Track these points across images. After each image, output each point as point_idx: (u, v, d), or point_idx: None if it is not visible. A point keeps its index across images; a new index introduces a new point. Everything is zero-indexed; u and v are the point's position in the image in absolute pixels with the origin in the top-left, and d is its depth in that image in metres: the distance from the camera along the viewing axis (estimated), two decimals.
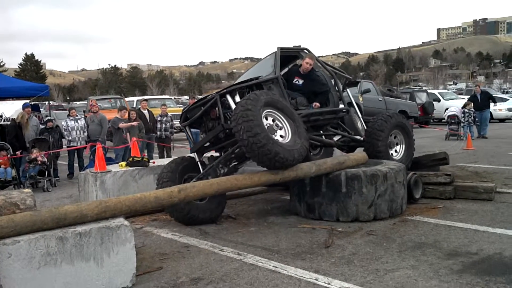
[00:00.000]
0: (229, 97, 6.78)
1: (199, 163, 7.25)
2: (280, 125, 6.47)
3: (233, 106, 6.63)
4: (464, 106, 17.67)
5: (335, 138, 8.46)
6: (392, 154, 8.04)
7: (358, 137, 8.31)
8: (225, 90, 6.93)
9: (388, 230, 6.20)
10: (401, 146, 8.27)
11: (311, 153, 9.07)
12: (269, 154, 5.88)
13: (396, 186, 6.79)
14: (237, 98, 6.71)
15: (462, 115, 17.22)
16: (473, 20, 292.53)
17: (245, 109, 5.89)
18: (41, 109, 21.49)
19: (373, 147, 7.70)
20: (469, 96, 21.26)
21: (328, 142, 8.27)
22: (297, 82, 7.75)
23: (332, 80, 8.12)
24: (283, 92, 7.11)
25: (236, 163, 7.37)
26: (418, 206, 7.36)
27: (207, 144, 7.33)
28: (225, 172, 7.06)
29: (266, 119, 6.34)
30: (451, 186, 7.79)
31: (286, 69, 8.09)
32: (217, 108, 6.82)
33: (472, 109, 17.11)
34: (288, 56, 8.08)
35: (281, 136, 6.39)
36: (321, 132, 8.10)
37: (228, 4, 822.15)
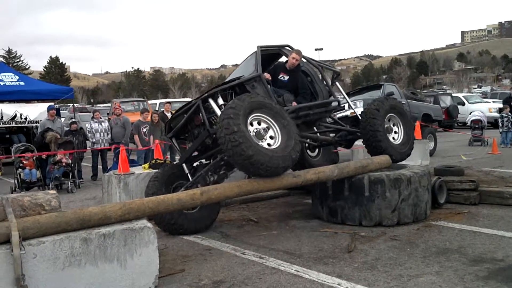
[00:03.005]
0: (211, 101, 6.52)
1: (188, 175, 6.91)
2: (269, 129, 6.17)
3: (216, 109, 6.41)
4: (501, 110, 17.27)
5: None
6: (392, 139, 7.71)
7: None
8: (206, 94, 6.67)
9: (412, 235, 6.13)
10: (399, 129, 7.95)
11: (310, 156, 8.86)
12: (262, 166, 5.64)
13: (420, 191, 6.71)
14: (220, 101, 6.48)
15: (501, 119, 16.87)
16: (499, 22, 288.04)
17: (228, 118, 5.62)
18: (63, 111, 21.81)
19: (372, 138, 7.38)
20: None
21: (324, 139, 8.01)
22: (282, 78, 7.45)
23: (320, 75, 7.85)
24: (267, 90, 6.82)
25: (226, 170, 7.03)
26: (442, 211, 7.26)
27: (196, 153, 7.05)
28: (215, 180, 6.76)
29: (253, 124, 6.06)
30: (476, 192, 7.68)
31: (271, 68, 7.75)
32: (200, 114, 6.57)
33: (510, 113, 16.72)
34: (272, 55, 7.79)
35: (271, 137, 6.13)
36: (315, 129, 7.81)
37: (250, 7, 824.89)
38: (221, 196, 5.77)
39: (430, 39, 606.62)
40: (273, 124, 6.18)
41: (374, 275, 4.76)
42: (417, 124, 12.93)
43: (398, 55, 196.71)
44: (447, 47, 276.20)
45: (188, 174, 6.92)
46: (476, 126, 17.32)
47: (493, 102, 27.33)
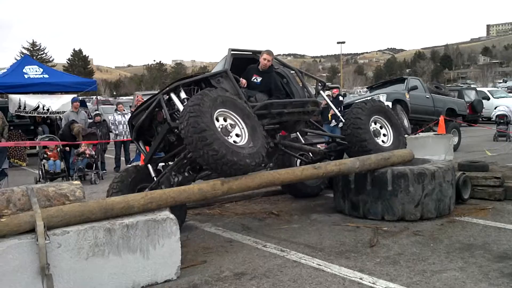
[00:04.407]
0: (173, 95, 6.21)
1: (154, 177, 6.46)
2: (236, 126, 5.88)
3: (178, 104, 6.08)
4: None
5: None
6: (381, 142, 7.36)
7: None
8: (168, 88, 6.35)
9: (435, 230, 6.06)
10: (387, 130, 7.58)
11: None
12: (228, 162, 5.32)
13: (444, 186, 6.62)
14: (183, 95, 6.15)
15: None
16: None
17: (193, 104, 5.36)
18: (88, 104, 22.08)
19: (356, 139, 7.05)
20: None
21: (310, 149, 7.64)
22: (255, 80, 7.08)
23: (297, 77, 7.56)
24: (235, 86, 6.48)
25: (191, 170, 6.47)
26: (466, 206, 7.16)
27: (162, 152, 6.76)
28: (179, 181, 6.16)
29: (219, 120, 5.77)
30: (501, 188, 7.56)
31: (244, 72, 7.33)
32: (162, 110, 6.21)
33: None
34: (248, 61, 7.36)
35: (236, 135, 5.82)
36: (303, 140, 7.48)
37: (270, 0, 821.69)
38: (242, 186, 5.71)
39: (455, 32, 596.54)
40: (239, 120, 5.91)
41: (397, 270, 4.72)
42: (441, 118, 12.78)
43: (422, 48, 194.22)
44: (472, 40, 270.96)
45: (154, 176, 6.50)
46: (501, 121, 17.05)
47: None
